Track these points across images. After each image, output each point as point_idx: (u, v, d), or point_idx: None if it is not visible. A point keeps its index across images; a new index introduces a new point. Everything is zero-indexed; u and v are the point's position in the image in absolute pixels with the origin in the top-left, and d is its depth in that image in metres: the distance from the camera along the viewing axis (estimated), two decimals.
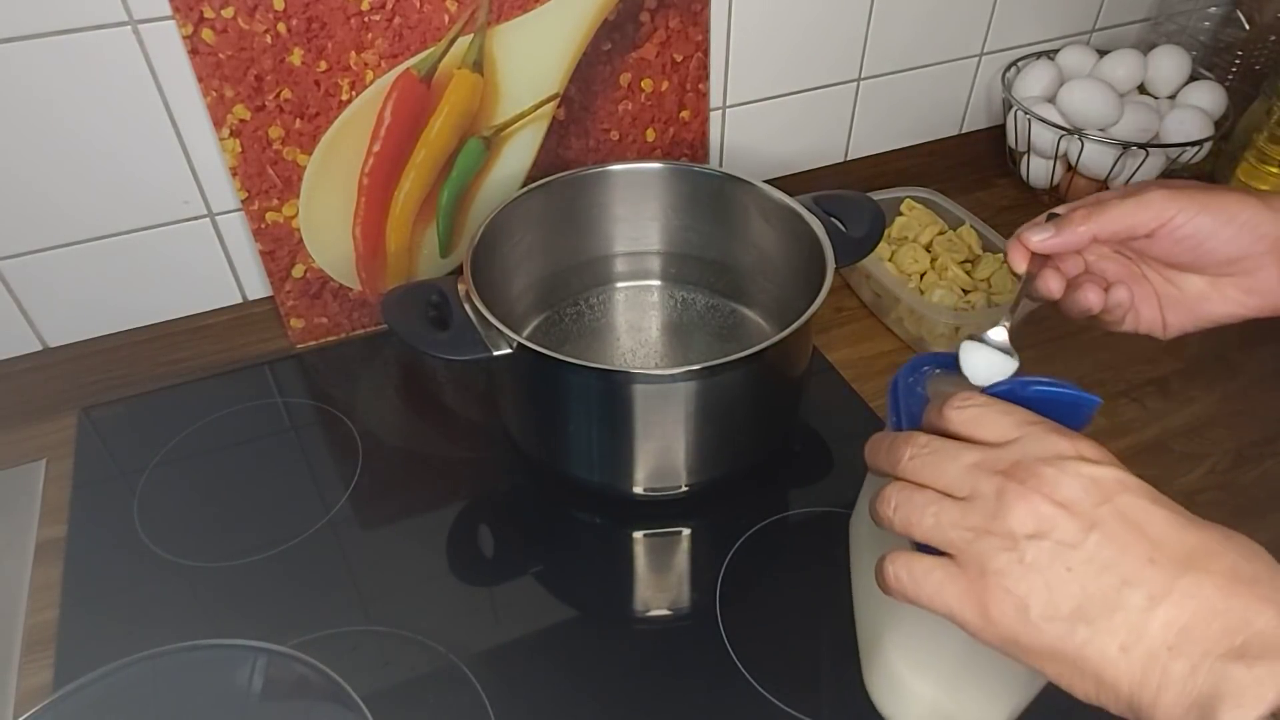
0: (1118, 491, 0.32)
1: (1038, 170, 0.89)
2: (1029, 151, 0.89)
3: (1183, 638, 0.30)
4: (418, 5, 0.66)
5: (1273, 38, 0.91)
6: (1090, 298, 0.46)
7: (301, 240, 0.71)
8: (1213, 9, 0.95)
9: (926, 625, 0.39)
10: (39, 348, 0.73)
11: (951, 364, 0.44)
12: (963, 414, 0.36)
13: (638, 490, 0.60)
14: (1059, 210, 0.46)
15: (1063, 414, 0.36)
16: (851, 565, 0.51)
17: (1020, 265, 0.45)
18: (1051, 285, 0.46)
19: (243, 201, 0.68)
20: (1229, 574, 0.30)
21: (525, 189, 0.66)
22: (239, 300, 0.78)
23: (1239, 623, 0.29)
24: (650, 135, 0.80)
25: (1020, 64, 0.94)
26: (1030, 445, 0.34)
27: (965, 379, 0.43)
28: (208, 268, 0.75)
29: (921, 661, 0.45)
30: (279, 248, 0.71)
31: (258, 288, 0.78)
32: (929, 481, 0.35)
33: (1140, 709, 0.30)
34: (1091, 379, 0.72)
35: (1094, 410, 0.37)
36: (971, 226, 0.79)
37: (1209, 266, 0.46)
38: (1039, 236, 0.45)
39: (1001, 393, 0.37)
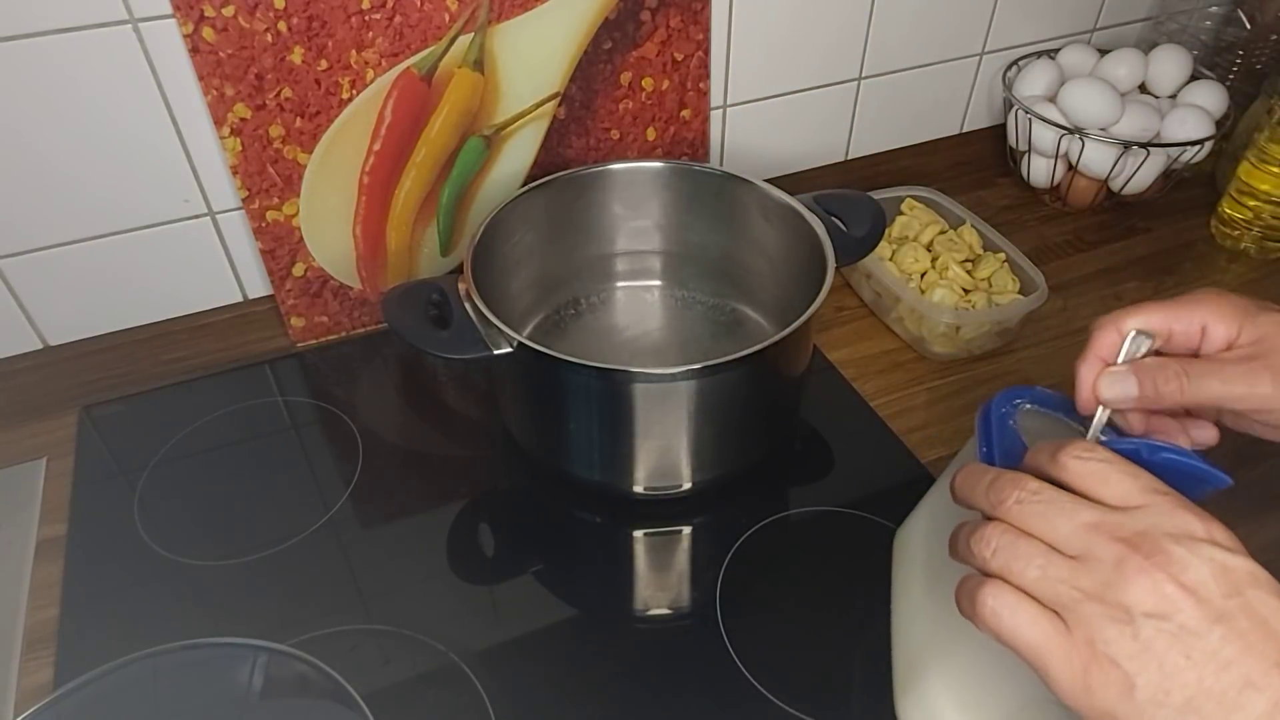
0: (1249, 585, 0.30)
1: (1038, 169, 0.89)
2: (1030, 151, 0.89)
3: None
4: (418, 4, 0.66)
5: (1274, 37, 0.91)
6: (1205, 434, 0.44)
7: (302, 239, 0.71)
8: (1214, 8, 0.95)
9: (985, 666, 0.36)
10: (39, 346, 0.74)
11: (1046, 401, 0.41)
12: (1085, 465, 0.33)
13: (638, 489, 0.60)
14: (1147, 361, 0.40)
15: (1187, 487, 0.34)
16: (896, 580, 0.49)
17: (1087, 411, 0.41)
18: (1133, 424, 0.42)
19: (243, 200, 0.68)
20: None
21: (526, 188, 0.66)
22: (239, 299, 0.78)
23: None
24: (651, 134, 0.80)
25: (1021, 63, 0.94)
26: (1158, 517, 0.31)
27: (1060, 421, 0.41)
28: (208, 266, 0.75)
29: (970, 703, 0.41)
30: (279, 246, 0.71)
31: (258, 286, 0.78)
32: (1037, 532, 0.33)
33: None
34: None
35: (1221, 488, 0.34)
36: (972, 226, 0.79)
37: None
38: (1112, 393, 0.40)
39: (1125, 451, 0.34)
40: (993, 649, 0.33)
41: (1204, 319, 0.40)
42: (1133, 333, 0.40)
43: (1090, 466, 0.33)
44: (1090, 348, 0.41)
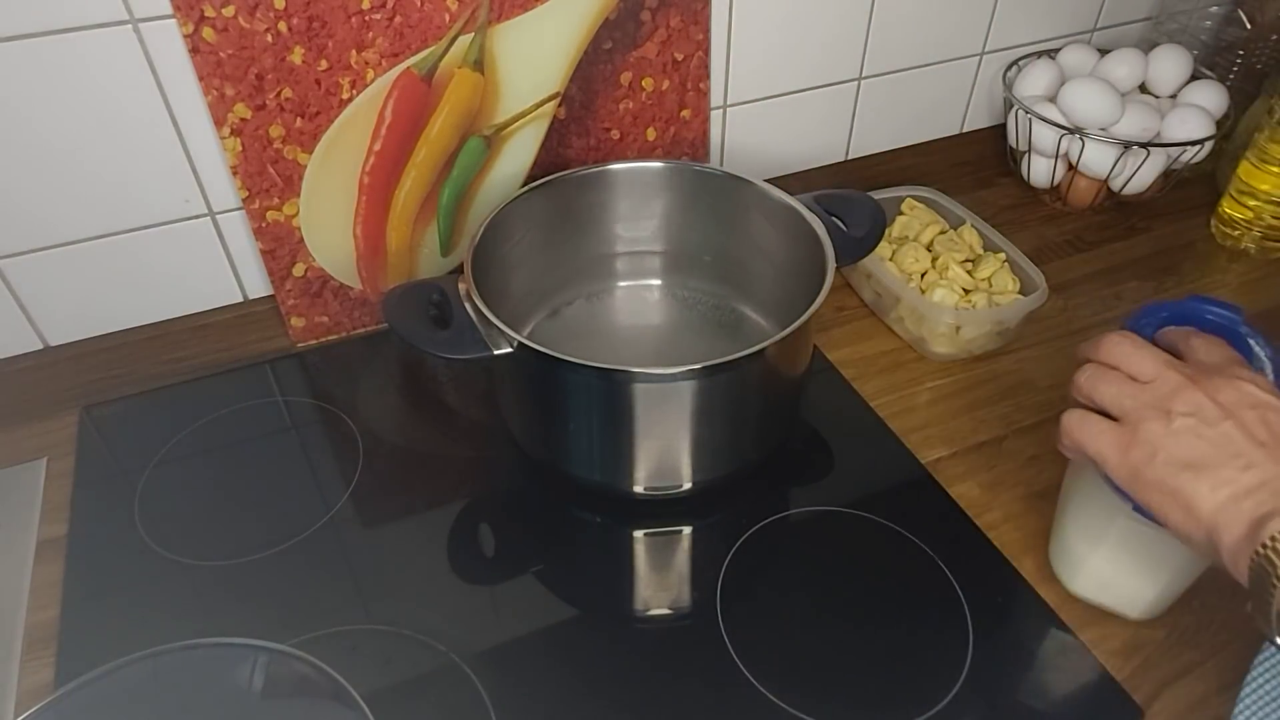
0: (1263, 406, 0.42)
1: (1039, 169, 0.89)
2: (1030, 151, 0.89)
3: (1261, 489, 0.40)
4: (418, 4, 0.66)
5: (1274, 37, 0.91)
6: None
7: (302, 239, 0.71)
8: (1214, 8, 0.95)
9: (1100, 508, 0.51)
10: (40, 346, 0.74)
11: (1181, 318, 0.50)
12: (1190, 342, 0.46)
13: (638, 489, 0.60)
14: None
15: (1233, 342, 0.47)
16: (1064, 481, 0.58)
17: None
18: None
19: (243, 200, 0.68)
20: None
21: (526, 188, 0.66)
22: (240, 299, 0.78)
23: None
24: (651, 134, 0.80)
25: (1021, 63, 0.94)
26: (1226, 369, 0.43)
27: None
28: (208, 266, 0.75)
29: (1092, 535, 0.53)
30: (280, 246, 0.71)
31: (258, 286, 0.78)
32: (1126, 368, 0.45)
33: (1214, 529, 0.40)
34: None
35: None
36: (972, 226, 0.79)
37: None
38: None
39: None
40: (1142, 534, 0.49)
41: None
42: None
43: (1194, 343, 0.47)
44: None
